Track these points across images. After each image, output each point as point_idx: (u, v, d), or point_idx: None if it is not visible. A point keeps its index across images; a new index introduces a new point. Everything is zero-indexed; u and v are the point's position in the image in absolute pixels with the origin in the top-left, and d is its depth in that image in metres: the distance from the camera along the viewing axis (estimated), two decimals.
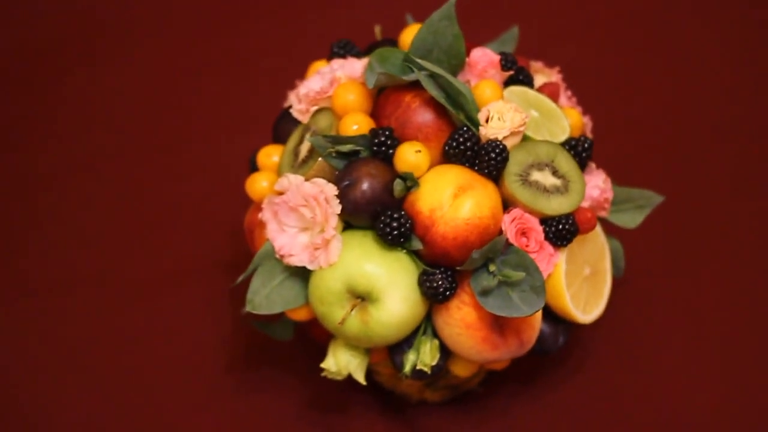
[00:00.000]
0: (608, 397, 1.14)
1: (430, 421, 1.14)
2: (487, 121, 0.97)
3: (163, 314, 1.25)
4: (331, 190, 0.95)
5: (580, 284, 1.02)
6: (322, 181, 0.96)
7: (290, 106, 1.05)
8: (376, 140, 0.96)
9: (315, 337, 1.06)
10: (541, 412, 1.13)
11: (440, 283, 0.95)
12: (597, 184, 1.01)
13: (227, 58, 1.56)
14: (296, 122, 1.03)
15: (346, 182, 0.95)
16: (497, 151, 0.95)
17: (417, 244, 0.95)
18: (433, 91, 0.95)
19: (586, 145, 1.00)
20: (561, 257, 0.99)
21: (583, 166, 1.01)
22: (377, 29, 1.11)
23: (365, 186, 0.94)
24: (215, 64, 1.56)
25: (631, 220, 1.07)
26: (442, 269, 0.96)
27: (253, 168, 1.06)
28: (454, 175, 0.95)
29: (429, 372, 0.99)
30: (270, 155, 1.03)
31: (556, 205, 0.97)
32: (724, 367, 1.16)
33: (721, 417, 1.12)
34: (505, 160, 0.96)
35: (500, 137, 0.96)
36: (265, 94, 1.31)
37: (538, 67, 1.10)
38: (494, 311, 0.94)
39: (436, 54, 0.98)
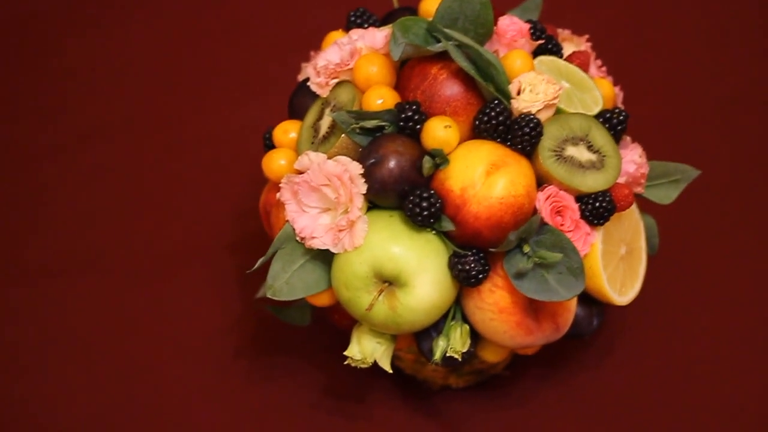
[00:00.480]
0: (639, 380, 1.10)
1: (454, 408, 1.09)
2: (518, 93, 0.92)
3: (168, 298, 1.20)
4: (356, 168, 0.89)
5: (617, 264, 0.97)
6: (346, 159, 0.90)
7: (307, 80, 0.99)
8: (403, 115, 0.90)
9: (335, 322, 1.01)
10: (570, 397, 1.09)
11: (473, 265, 0.90)
12: (633, 159, 0.96)
13: (235, 27, 1.50)
14: (314, 96, 0.98)
15: (372, 160, 0.89)
16: (531, 125, 0.90)
17: (448, 225, 0.90)
18: (462, 62, 0.90)
19: (621, 118, 0.95)
20: (597, 236, 0.94)
21: (617, 139, 0.96)
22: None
23: (392, 164, 0.89)
24: (222, 34, 1.50)
25: (666, 195, 1.02)
26: (474, 251, 0.91)
27: (269, 145, 1.00)
28: (486, 152, 0.90)
29: (460, 359, 0.94)
30: (287, 131, 0.98)
31: (592, 182, 0.92)
32: (765, 348, 1.10)
33: (761, 401, 1.07)
34: (540, 134, 0.91)
35: (533, 111, 0.91)
36: (275, 66, 1.26)
37: (566, 36, 1.04)
38: (530, 295, 0.89)
39: (461, 23, 0.93)
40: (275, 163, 0.96)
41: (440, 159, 0.90)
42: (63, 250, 1.25)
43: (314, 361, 1.12)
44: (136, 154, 1.35)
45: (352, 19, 1.02)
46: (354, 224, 0.90)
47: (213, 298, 1.18)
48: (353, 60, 0.94)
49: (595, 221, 0.93)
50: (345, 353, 0.96)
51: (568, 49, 1.02)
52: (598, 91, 0.97)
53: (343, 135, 0.92)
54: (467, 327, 0.95)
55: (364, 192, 0.89)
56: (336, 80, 0.96)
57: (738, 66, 1.41)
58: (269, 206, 0.99)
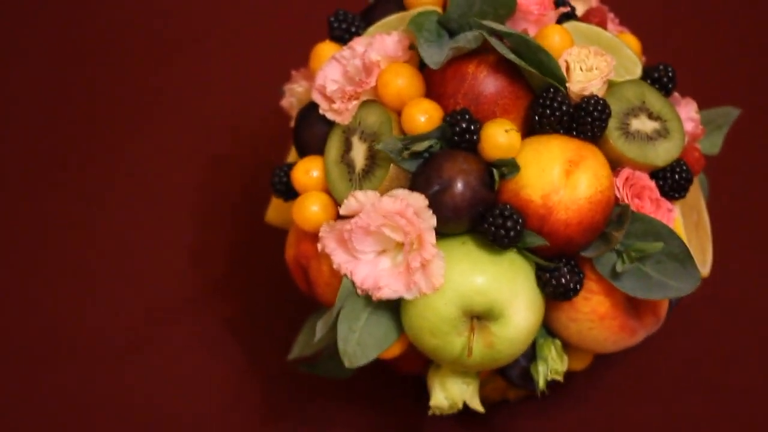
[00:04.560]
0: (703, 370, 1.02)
1: (512, 421, 0.99)
2: (567, 74, 0.81)
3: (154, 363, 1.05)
4: (419, 200, 0.78)
5: (692, 233, 0.88)
6: (403, 192, 0.78)
7: (309, 107, 0.85)
8: (457, 128, 0.78)
9: (398, 370, 0.89)
10: (622, 396, 1.01)
11: (568, 277, 0.80)
12: (690, 116, 0.87)
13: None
14: (326, 124, 0.85)
15: (437, 187, 0.78)
16: (599, 108, 0.80)
17: (536, 240, 0.79)
18: (507, 53, 0.79)
19: (670, 74, 0.86)
20: (677, 210, 0.85)
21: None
22: None
23: (460, 186, 0.78)
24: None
25: (712, 144, 0.94)
26: (563, 260, 0.80)
27: (281, 190, 0.86)
28: (558, 148, 0.79)
29: (562, 380, 0.84)
30: (309, 171, 0.84)
31: (665, 153, 0.83)
32: None
33: None
34: (609, 116, 0.80)
35: (594, 90, 0.80)
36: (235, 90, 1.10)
37: None
38: (639, 295, 0.81)
39: (479, 6, 0.82)
40: (308, 210, 0.83)
41: (509, 168, 0.79)
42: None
43: (355, 411, 0.99)
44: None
45: (335, 24, 0.88)
46: (429, 263, 0.78)
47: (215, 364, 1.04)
48: (372, 76, 0.81)
49: (677, 195, 0.84)
50: (431, 404, 0.85)
51: (579, 8, 0.91)
52: (628, 48, 0.86)
53: (392, 165, 0.79)
54: (558, 342, 0.85)
55: (435, 224, 0.77)
56: (356, 102, 0.82)
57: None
58: (304, 259, 0.86)
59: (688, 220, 0.88)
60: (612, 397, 1.00)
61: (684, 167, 0.83)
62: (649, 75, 0.86)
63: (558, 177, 0.78)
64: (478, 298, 0.78)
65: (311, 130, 0.86)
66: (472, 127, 0.78)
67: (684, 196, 0.84)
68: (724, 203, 1.01)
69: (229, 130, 1.21)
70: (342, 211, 0.80)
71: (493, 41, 0.79)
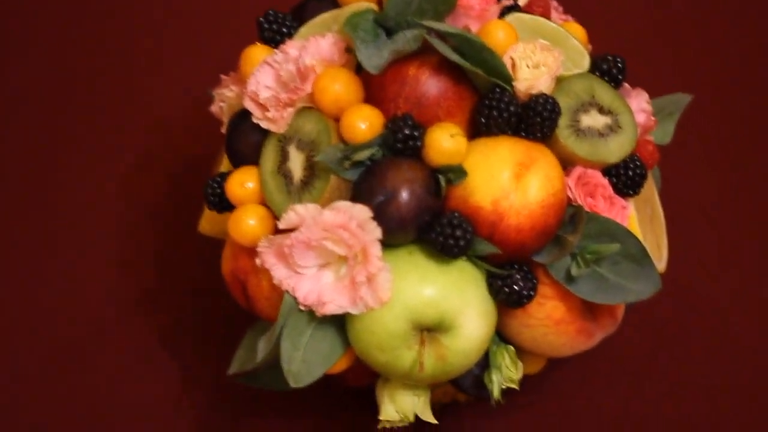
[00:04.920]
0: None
1: (462, 422, 0.96)
2: (513, 71, 0.77)
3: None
4: (363, 212, 0.74)
5: (647, 228, 0.85)
6: (346, 204, 0.74)
7: (242, 114, 0.81)
8: (400, 135, 0.74)
9: (347, 382, 0.85)
10: (575, 392, 0.99)
11: (521, 284, 0.77)
12: (641, 107, 0.84)
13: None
14: (261, 133, 0.80)
15: (381, 197, 0.73)
16: (548, 107, 0.76)
17: (486, 248, 0.75)
18: (451, 54, 0.75)
19: (619, 65, 0.82)
20: (631, 207, 0.81)
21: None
22: None
23: (405, 196, 0.74)
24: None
25: (664, 133, 0.90)
26: (516, 267, 0.76)
27: (214, 202, 0.82)
28: (507, 151, 0.76)
29: (518, 387, 0.80)
30: (243, 182, 0.80)
31: (617, 148, 0.80)
32: None
33: None
34: (559, 115, 0.77)
35: (543, 88, 0.77)
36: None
37: None
38: (596, 300, 0.78)
39: (417, 3, 0.77)
40: (245, 224, 0.79)
41: (456, 174, 0.75)
42: None
43: (300, 425, 0.95)
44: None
45: (266, 26, 0.84)
46: (375, 277, 0.74)
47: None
48: (308, 82, 0.77)
49: (631, 191, 0.81)
50: (380, 417, 0.82)
51: None
52: (574, 39, 0.83)
53: (332, 177, 0.75)
54: (512, 349, 0.81)
55: (380, 236, 0.73)
56: (291, 109, 0.78)
57: None
58: (242, 274, 0.82)
59: (642, 215, 0.85)
60: (565, 392, 0.98)
61: (637, 162, 0.80)
62: (597, 67, 0.82)
63: (508, 181, 0.74)
64: (428, 311, 0.75)
65: (245, 140, 0.81)
66: (416, 133, 0.75)
67: (638, 193, 0.81)
68: (677, 194, 0.98)
69: (156, 134, 1.16)
70: (281, 225, 0.76)
71: (435, 42, 0.75)
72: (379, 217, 0.74)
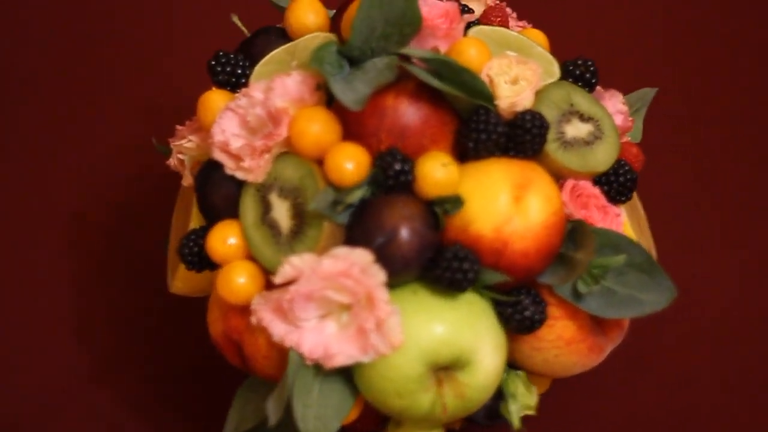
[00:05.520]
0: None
1: None
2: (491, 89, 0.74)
3: None
4: (364, 256, 0.70)
5: (638, 232, 0.83)
6: (344, 251, 0.71)
7: (211, 166, 0.77)
8: (390, 171, 0.71)
9: (356, 428, 0.81)
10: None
11: (531, 309, 0.74)
12: (618, 109, 0.82)
13: None
14: (236, 184, 0.76)
15: (380, 239, 0.70)
16: (537, 123, 0.74)
17: (494, 277, 0.73)
18: (432, 81, 0.71)
19: (591, 69, 0.80)
20: (623, 213, 0.79)
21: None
22: (235, 19, 0.84)
23: (406, 234, 0.71)
24: None
25: (634, 130, 0.88)
26: (523, 291, 0.73)
27: (193, 261, 0.78)
28: (501, 173, 0.73)
29: (535, 413, 0.78)
30: (225, 239, 0.76)
31: (604, 156, 0.77)
32: None
33: None
34: (548, 130, 0.74)
35: (526, 104, 0.74)
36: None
37: None
38: (612, 315, 0.76)
39: (381, 29, 0.74)
40: (235, 283, 0.75)
41: (453, 204, 0.72)
42: None
43: None
44: None
45: (218, 68, 0.79)
46: (384, 322, 0.70)
47: None
48: (282, 125, 0.73)
49: (623, 198, 0.79)
50: None
51: (476, 8, 0.84)
52: (538, 46, 0.80)
53: (325, 223, 0.71)
54: (523, 374, 0.79)
55: (384, 280, 0.70)
56: (268, 156, 0.74)
57: None
58: (236, 334, 0.78)
59: (632, 220, 0.82)
60: (564, 392, 0.97)
61: (626, 168, 0.78)
62: (569, 73, 0.80)
63: (507, 205, 0.71)
64: (443, 350, 0.71)
65: (218, 193, 0.77)
66: (406, 168, 0.71)
67: (630, 198, 0.79)
68: (653, 193, 0.96)
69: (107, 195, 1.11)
70: (277, 280, 0.71)
71: (414, 69, 0.72)
72: (381, 259, 0.70)
